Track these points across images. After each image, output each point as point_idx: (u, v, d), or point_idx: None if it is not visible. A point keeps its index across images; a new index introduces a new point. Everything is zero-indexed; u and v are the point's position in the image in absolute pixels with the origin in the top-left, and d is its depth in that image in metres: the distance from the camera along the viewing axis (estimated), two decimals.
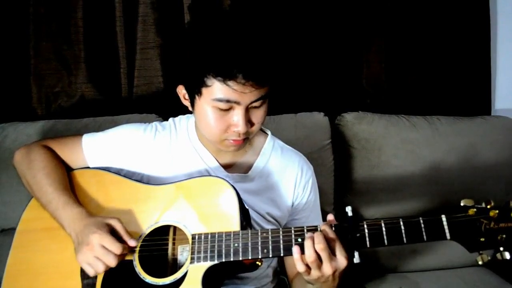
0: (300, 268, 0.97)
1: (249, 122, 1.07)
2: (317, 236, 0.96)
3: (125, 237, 1.04)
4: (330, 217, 1.02)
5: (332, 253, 0.96)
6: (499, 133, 1.76)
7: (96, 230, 1.02)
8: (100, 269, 1.01)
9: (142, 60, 1.79)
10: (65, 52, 1.78)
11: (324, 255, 0.95)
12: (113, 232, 1.04)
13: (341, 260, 0.96)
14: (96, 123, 1.63)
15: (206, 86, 1.03)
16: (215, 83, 1.01)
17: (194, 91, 1.07)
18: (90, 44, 1.78)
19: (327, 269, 0.96)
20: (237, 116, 1.05)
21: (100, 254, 1.00)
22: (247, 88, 1.01)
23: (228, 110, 1.05)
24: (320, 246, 0.95)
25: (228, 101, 1.03)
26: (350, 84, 1.91)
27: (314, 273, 0.97)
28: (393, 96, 1.93)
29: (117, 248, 1.00)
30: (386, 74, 1.92)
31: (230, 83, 1.00)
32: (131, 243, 1.04)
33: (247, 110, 1.06)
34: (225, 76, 0.99)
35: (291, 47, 1.83)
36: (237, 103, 1.03)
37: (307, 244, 0.96)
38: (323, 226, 1.00)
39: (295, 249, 0.97)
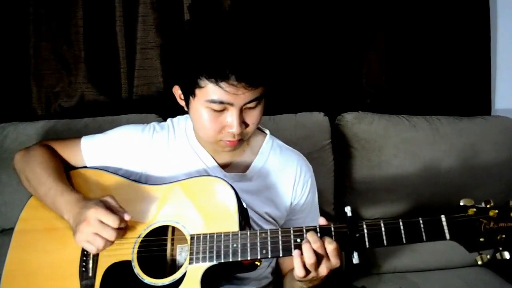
0: (300, 272, 0.98)
1: (243, 123, 1.07)
2: (316, 242, 0.97)
3: (119, 211, 1.04)
4: (322, 221, 1.02)
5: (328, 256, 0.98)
6: (499, 133, 1.76)
7: (92, 206, 1.02)
8: (100, 245, 1.01)
9: (142, 60, 1.80)
10: (65, 52, 1.78)
11: (322, 260, 0.98)
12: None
13: (335, 262, 0.99)
14: (96, 123, 1.63)
15: (200, 87, 1.03)
16: (208, 85, 1.01)
17: (189, 92, 1.07)
18: (90, 44, 1.78)
19: (323, 270, 0.99)
20: (231, 117, 1.05)
21: (98, 229, 1.00)
22: (240, 89, 1.01)
23: (222, 111, 1.05)
24: (320, 252, 0.97)
25: (221, 102, 1.02)
26: (350, 84, 1.91)
27: (311, 274, 0.99)
28: (393, 96, 1.93)
29: (113, 220, 1.00)
30: (386, 74, 1.92)
31: (223, 84, 1.00)
32: (126, 216, 1.04)
33: (242, 111, 1.05)
34: (218, 77, 0.99)
35: (286, 48, 1.82)
36: (231, 104, 1.03)
37: (306, 247, 0.97)
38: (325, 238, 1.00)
39: (296, 253, 0.98)
